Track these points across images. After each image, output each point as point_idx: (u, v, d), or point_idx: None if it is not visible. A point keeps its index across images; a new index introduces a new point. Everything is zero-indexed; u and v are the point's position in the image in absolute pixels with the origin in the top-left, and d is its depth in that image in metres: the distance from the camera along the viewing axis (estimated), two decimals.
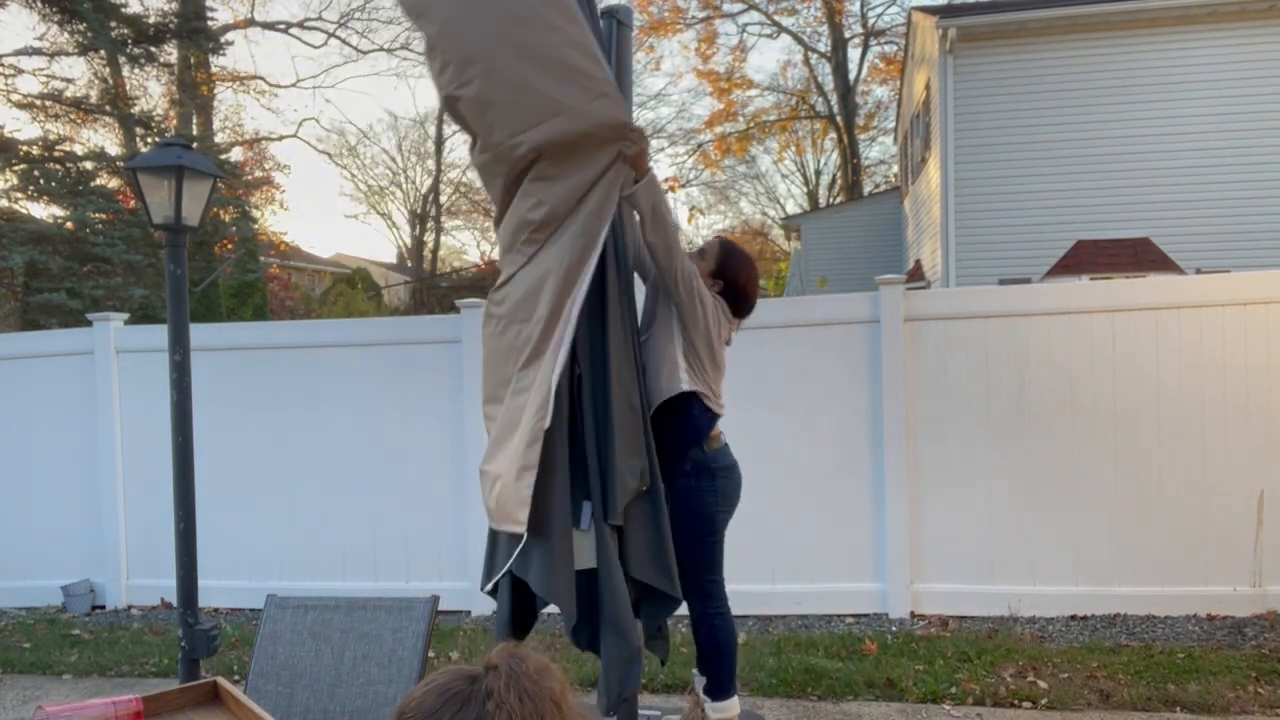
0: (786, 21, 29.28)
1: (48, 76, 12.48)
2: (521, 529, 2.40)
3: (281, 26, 24.08)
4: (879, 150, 29.59)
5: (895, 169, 22.76)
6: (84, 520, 5.64)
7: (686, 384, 2.77)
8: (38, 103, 11.98)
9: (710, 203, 34.32)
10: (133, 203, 11.54)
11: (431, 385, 5.25)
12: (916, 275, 13.10)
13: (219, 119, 21.65)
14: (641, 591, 2.67)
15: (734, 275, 2.89)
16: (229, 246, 13.82)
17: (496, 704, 0.87)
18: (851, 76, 27.59)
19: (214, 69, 18.40)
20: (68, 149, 11.65)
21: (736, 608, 3.16)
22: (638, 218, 2.62)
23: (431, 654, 4.38)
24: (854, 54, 27.69)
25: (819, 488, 4.88)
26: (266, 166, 25.51)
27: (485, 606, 5.17)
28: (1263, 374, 4.54)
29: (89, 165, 11.61)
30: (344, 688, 2.29)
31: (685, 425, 2.81)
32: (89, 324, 5.65)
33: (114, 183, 11.86)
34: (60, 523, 5.68)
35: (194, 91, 16.02)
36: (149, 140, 12.83)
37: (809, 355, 4.90)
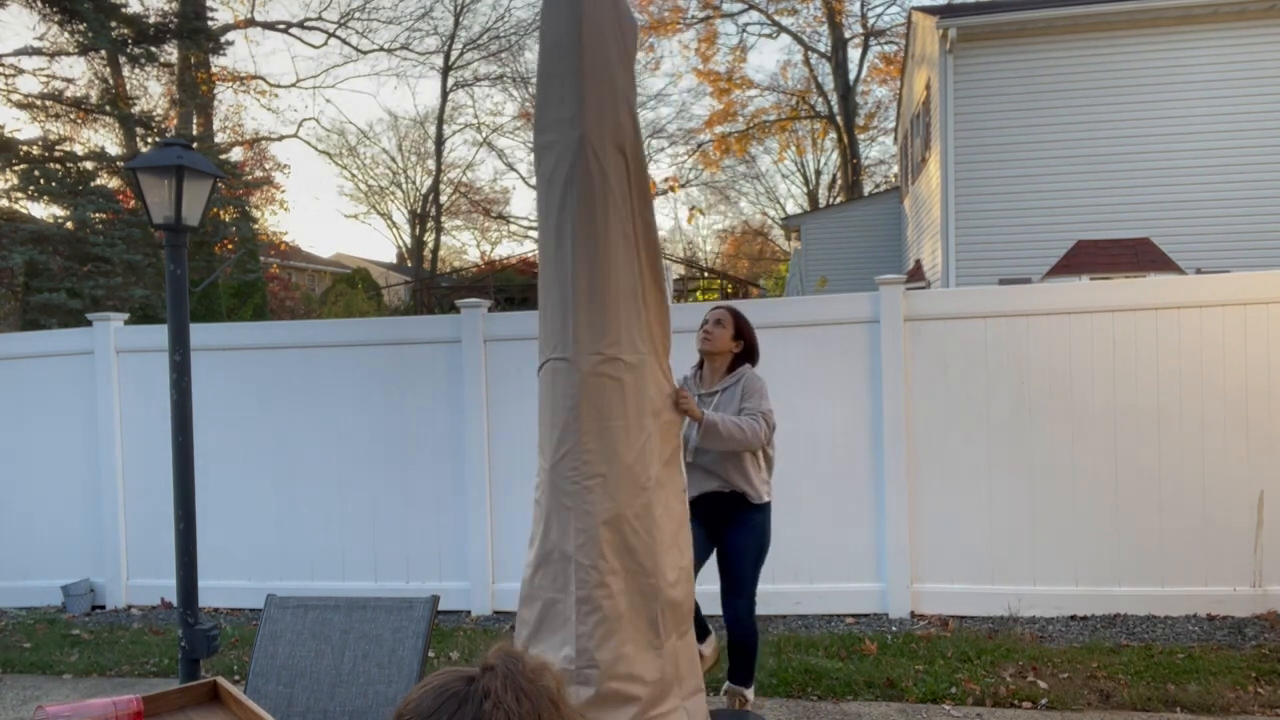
0: (786, 21, 29.30)
1: (48, 76, 12.47)
2: None
3: (281, 26, 24.08)
4: (879, 150, 29.64)
5: (895, 169, 22.77)
6: (84, 520, 5.64)
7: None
8: (38, 103, 11.97)
9: (710, 203, 34.40)
10: (133, 203, 11.54)
11: (431, 385, 5.26)
12: (916, 275, 13.10)
13: (219, 119, 21.69)
14: None
15: (749, 336, 3.43)
16: (229, 246, 13.81)
17: (494, 704, 0.87)
18: (851, 76, 27.62)
19: (214, 69, 18.40)
20: (68, 149, 11.64)
21: None
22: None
23: (431, 654, 4.37)
24: (854, 54, 27.74)
25: (819, 488, 4.88)
26: (266, 166, 25.55)
27: (485, 606, 5.17)
28: (1263, 374, 4.53)
29: (89, 165, 11.60)
30: (344, 688, 2.29)
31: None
32: (89, 324, 5.66)
33: (114, 183, 11.84)
34: (60, 523, 5.68)
35: (194, 91, 16.01)
36: (149, 140, 12.83)
37: (809, 355, 4.90)
